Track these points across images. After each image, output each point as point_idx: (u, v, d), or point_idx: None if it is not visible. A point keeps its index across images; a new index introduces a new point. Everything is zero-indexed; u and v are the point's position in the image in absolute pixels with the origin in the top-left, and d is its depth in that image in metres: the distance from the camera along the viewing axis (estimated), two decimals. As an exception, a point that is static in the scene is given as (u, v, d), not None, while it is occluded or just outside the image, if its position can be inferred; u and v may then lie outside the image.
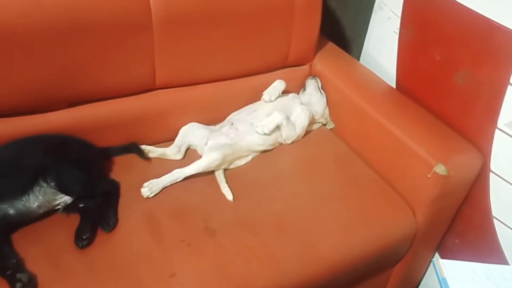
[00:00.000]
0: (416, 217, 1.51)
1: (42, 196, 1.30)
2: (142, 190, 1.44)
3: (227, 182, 1.52)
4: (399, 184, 1.56)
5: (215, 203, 1.46)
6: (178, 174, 1.49)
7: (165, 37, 1.51)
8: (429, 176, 1.44)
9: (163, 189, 1.47)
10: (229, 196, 1.48)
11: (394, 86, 1.86)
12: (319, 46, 1.88)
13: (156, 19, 1.46)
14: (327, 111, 1.84)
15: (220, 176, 1.54)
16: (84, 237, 1.27)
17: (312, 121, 1.79)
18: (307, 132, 1.78)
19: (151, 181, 1.46)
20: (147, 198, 1.43)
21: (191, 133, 1.66)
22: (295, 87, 1.83)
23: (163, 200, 1.44)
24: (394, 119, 1.60)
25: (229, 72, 1.71)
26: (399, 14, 1.77)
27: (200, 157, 1.56)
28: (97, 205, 1.36)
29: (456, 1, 1.49)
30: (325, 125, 1.87)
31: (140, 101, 1.60)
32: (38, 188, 1.30)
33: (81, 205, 1.36)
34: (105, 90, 1.53)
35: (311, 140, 1.78)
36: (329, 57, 1.92)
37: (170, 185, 1.48)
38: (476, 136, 1.52)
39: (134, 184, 1.45)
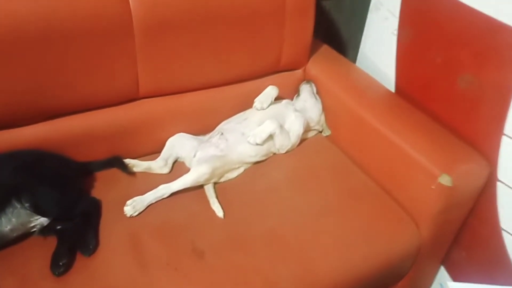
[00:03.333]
0: (419, 230, 1.43)
1: (16, 218, 1.21)
2: (125, 208, 1.34)
3: (217, 197, 1.43)
4: (401, 195, 1.48)
5: (204, 220, 1.37)
6: (164, 190, 1.40)
7: (147, 43, 1.42)
8: (433, 187, 1.35)
9: (148, 206, 1.38)
10: (219, 212, 1.39)
11: (393, 90, 1.79)
12: (313, 49, 1.81)
13: (137, 24, 1.37)
14: (322, 117, 1.76)
15: (209, 190, 1.45)
16: (61, 263, 1.17)
17: (307, 129, 1.70)
18: (302, 140, 1.70)
19: (134, 198, 1.37)
20: (131, 217, 1.34)
21: (179, 145, 1.57)
22: (288, 93, 1.76)
23: (148, 219, 1.35)
24: (394, 126, 1.51)
25: (218, 78, 1.63)
26: (397, 14, 1.69)
27: (188, 170, 1.48)
28: (76, 227, 1.27)
29: (457, 0, 1.40)
30: (321, 132, 1.79)
31: (123, 111, 1.51)
32: (10, 209, 1.20)
33: (58, 227, 1.27)
34: (85, 101, 1.44)
35: (307, 149, 1.69)
36: (324, 60, 1.84)
37: (156, 202, 1.40)
38: (481, 143, 1.44)
39: (117, 201, 1.36)
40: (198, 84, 1.60)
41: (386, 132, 1.51)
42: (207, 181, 1.46)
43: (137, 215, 1.35)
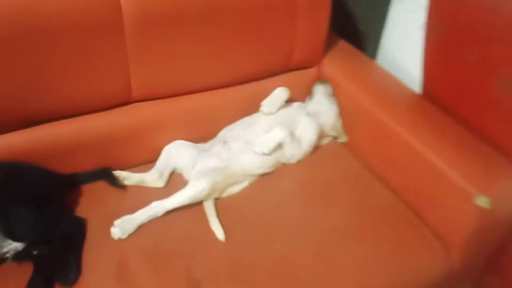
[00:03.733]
0: (450, 256, 1.27)
1: (-15, 243, 1.06)
2: (112, 230, 1.19)
3: (217, 216, 1.28)
4: (429, 216, 1.31)
5: (202, 243, 1.22)
6: (158, 208, 1.25)
7: (140, 40, 1.26)
8: (467, 207, 1.19)
9: (139, 226, 1.22)
10: (219, 234, 1.23)
11: (418, 91, 1.63)
12: (328, 45, 1.66)
13: (128, 18, 1.21)
14: (339, 122, 1.60)
15: (209, 208, 1.29)
16: (35, 297, 1.02)
17: (321, 135, 1.54)
18: (316, 147, 1.54)
19: (123, 218, 1.22)
20: (119, 239, 1.19)
21: (176, 154, 1.42)
22: (300, 95, 1.62)
23: (138, 241, 1.20)
24: (421, 134, 1.35)
25: (220, 79, 1.48)
26: (425, 6, 1.52)
27: (186, 183, 1.32)
28: (54, 252, 1.13)
29: (498, -10, 1.24)
30: (336, 138, 1.62)
31: (114, 117, 1.36)
32: (-21, 233, 1.06)
33: (35, 252, 1.12)
34: (70, 106, 1.29)
35: (320, 158, 1.53)
36: (341, 57, 1.69)
37: (148, 221, 1.24)
38: (524, 157, 1.27)
39: (104, 220, 1.22)
40: (198, 85, 1.45)
41: (411, 141, 1.35)
42: (206, 197, 1.30)
43: (126, 237, 1.20)
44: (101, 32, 1.20)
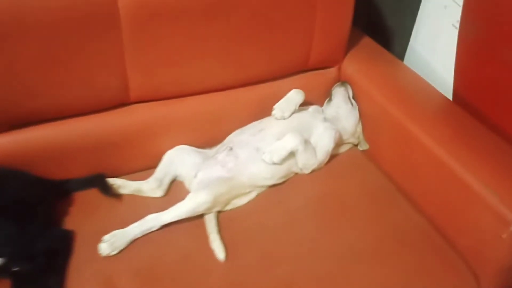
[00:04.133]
0: (480, 286, 1.12)
1: (-41, 257, 0.98)
2: (101, 246, 1.09)
3: (219, 232, 1.16)
4: (458, 240, 1.17)
5: (200, 264, 1.11)
6: (153, 221, 1.15)
7: (138, 35, 1.16)
8: (504, 236, 1.04)
9: (131, 242, 1.12)
10: (219, 253, 1.12)
11: (450, 97, 1.49)
12: (350, 43, 1.54)
13: (124, 10, 1.11)
14: (359, 128, 1.48)
15: (210, 222, 1.18)
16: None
17: (339, 142, 1.42)
18: (333, 156, 1.41)
19: (114, 232, 1.12)
20: (107, 256, 1.09)
21: (178, 160, 1.31)
22: (317, 98, 1.50)
23: (129, 260, 1.10)
24: (452, 147, 1.20)
25: (228, 79, 1.37)
26: (460, 2, 1.38)
27: (187, 193, 1.22)
28: (36, 270, 1.04)
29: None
30: (356, 145, 1.50)
31: (110, 119, 1.27)
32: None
33: (14, 269, 1.03)
34: (60, 107, 1.20)
35: (338, 168, 1.41)
36: (364, 56, 1.57)
37: (142, 236, 1.14)
38: None
39: (94, 233, 1.13)
40: (203, 86, 1.34)
41: (441, 155, 1.20)
42: (208, 211, 1.19)
43: (115, 254, 1.09)
44: (95, 26, 1.11)
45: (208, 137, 1.38)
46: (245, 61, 1.34)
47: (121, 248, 1.10)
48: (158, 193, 1.26)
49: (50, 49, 1.09)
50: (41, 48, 1.08)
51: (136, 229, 1.12)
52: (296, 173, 1.35)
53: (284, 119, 1.33)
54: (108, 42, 1.13)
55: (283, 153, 1.25)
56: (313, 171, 1.35)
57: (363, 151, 1.48)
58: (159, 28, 1.16)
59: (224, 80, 1.35)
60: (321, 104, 1.49)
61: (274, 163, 1.25)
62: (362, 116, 1.47)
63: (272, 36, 1.33)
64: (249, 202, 1.27)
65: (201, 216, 1.19)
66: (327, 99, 1.50)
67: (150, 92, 1.27)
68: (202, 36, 1.22)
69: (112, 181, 1.25)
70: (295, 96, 1.36)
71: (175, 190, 1.29)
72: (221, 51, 1.28)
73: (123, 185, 1.25)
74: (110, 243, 1.08)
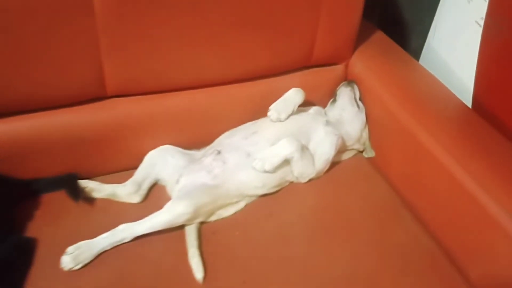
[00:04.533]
0: None
1: None
2: (63, 259, 0.97)
3: (199, 247, 1.04)
4: (469, 267, 1.06)
5: (175, 284, 0.99)
6: (124, 233, 1.03)
7: (114, 19, 1.02)
8: None
9: (99, 255, 1.01)
10: (198, 273, 1.00)
11: (469, 104, 1.37)
12: (360, 37, 1.43)
13: None
14: (365, 133, 1.36)
15: (190, 235, 1.07)
16: None
17: (342, 149, 1.30)
18: (335, 163, 1.30)
19: (80, 243, 1.00)
20: (70, 270, 0.97)
21: (161, 162, 1.19)
22: (320, 98, 1.40)
23: (95, 275, 0.98)
24: (467, 160, 1.08)
25: (221, 74, 1.24)
26: None
27: (169, 199, 1.11)
28: None
29: None
30: (361, 152, 1.38)
31: (84, 113, 1.14)
32: None
33: None
34: (28, 99, 1.07)
35: (339, 177, 1.29)
36: (375, 54, 1.45)
37: (112, 248, 1.02)
38: None
39: (59, 243, 1.01)
40: (192, 80, 1.22)
41: (454, 169, 1.08)
42: (188, 222, 1.08)
43: (79, 268, 0.98)
44: (65, 9, 0.97)
45: (196, 138, 1.26)
46: (239, 54, 1.21)
47: (86, 262, 0.98)
48: (136, 198, 1.14)
49: (15, 35, 0.96)
50: (5, 33, 0.95)
51: (105, 240, 1.01)
52: (292, 182, 1.23)
53: (281, 121, 1.21)
54: (79, 26, 1.00)
55: (276, 160, 1.13)
56: (310, 180, 1.23)
57: (368, 158, 1.36)
58: (138, 15, 1.03)
59: (215, 74, 1.23)
60: (324, 105, 1.38)
61: (266, 171, 1.13)
62: (369, 120, 1.36)
63: (271, 26, 1.20)
64: (236, 213, 1.15)
65: (181, 226, 1.07)
66: (331, 100, 1.39)
67: (129, 86, 1.14)
68: (189, 23, 1.09)
69: (85, 183, 1.13)
70: (294, 96, 1.24)
71: (156, 196, 1.17)
72: (213, 42, 1.15)
73: (96, 188, 1.13)
74: (74, 255, 0.97)
